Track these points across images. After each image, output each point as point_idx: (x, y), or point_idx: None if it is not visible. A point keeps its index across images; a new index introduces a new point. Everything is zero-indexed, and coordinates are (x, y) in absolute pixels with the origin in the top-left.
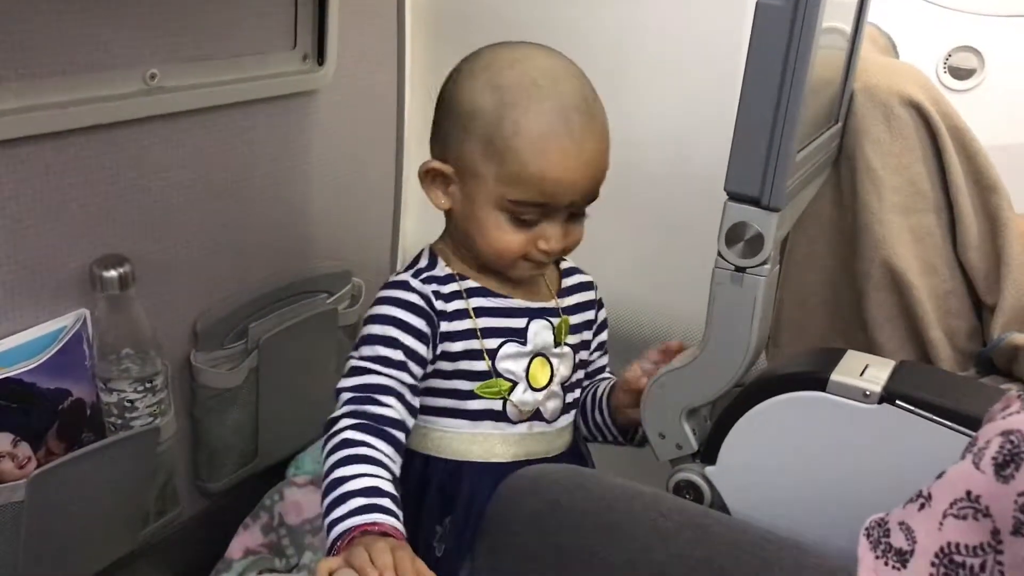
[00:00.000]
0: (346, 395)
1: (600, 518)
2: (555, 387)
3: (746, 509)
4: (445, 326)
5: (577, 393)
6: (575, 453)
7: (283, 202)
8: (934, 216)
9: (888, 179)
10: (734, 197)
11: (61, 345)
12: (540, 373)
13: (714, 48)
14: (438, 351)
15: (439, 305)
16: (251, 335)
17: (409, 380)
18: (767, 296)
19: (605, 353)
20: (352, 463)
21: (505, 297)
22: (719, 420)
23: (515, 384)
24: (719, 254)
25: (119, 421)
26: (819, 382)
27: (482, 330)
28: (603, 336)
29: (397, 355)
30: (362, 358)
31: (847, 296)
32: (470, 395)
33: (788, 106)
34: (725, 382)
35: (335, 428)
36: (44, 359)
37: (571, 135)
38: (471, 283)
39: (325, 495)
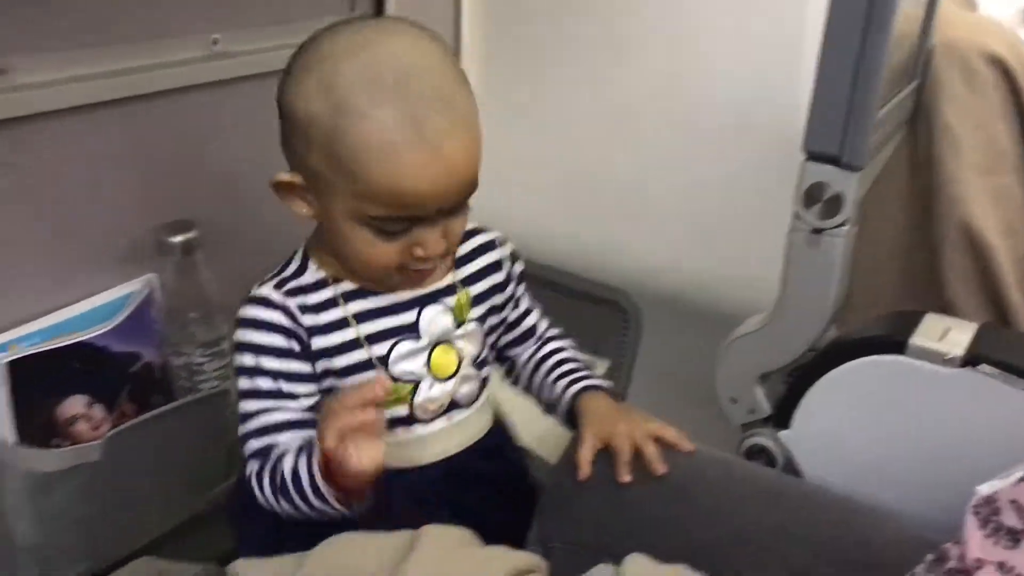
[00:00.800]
0: (248, 446)
1: (673, 483)
2: (465, 370)
3: (820, 474)
4: (320, 341)
5: (490, 367)
6: (499, 428)
7: None
8: (1015, 176)
9: (966, 137)
10: (813, 156)
11: (131, 310)
12: (444, 362)
13: (779, 3)
14: (318, 369)
15: (307, 320)
16: None
17: (297, 404)
18: (845, 258)
19: (529, 311)
20: (275, 469)
21: (387, 294)
22: (794, 384)
23: (417, 383)
24: (795, 215)
25: (188, 384)
26: (898, 346)
27: (367, 337)
28: (517, 290)
29: (273, 384)
30: (243, 395)
31: (922, 258)
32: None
33: (870, 61)
34: (800, 346)
35: (253, 485)
36: (115, 323)
37: (424, 140)
38: (347, 285)
39: (289, 500)
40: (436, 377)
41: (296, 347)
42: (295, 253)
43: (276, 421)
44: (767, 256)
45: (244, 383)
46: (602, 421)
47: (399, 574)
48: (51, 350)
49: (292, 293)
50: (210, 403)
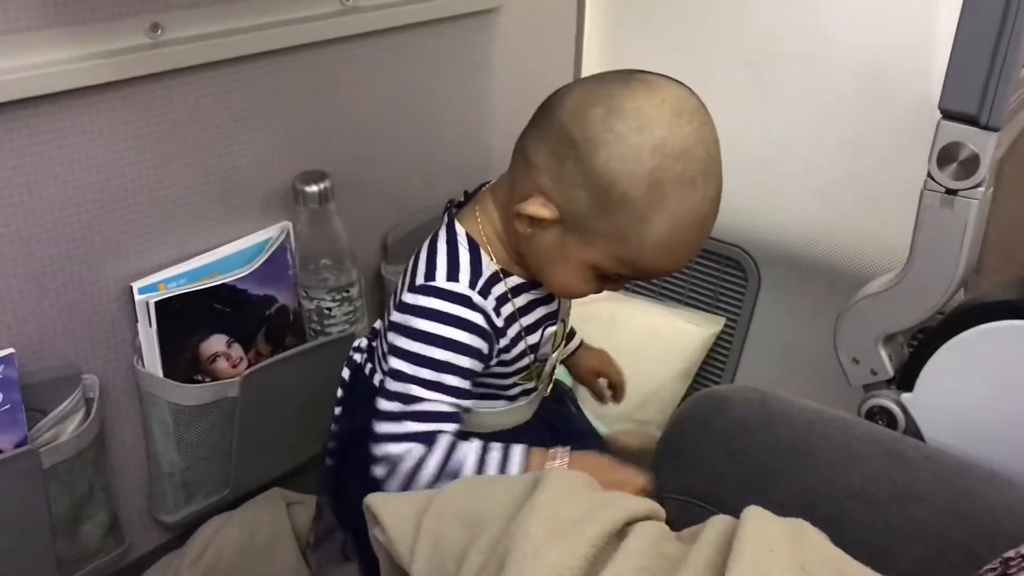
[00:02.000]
0: (405, 426)
1: (790, 440)
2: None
3: (942, 438)
4: (502, 342)
5: None
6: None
7: (464, 121)
8: None
9: None
10: (949, 116)
11: (268, 255)
12: (559, 335)
13: None
14: (492, 365)
15: (497, 322)
16: None
17: (468, 402)
18: (979, 220)
19: None
20: (455, 458)
21: (540, 285)
22: (919, 347)
23: (546, 361)
24: (929, 175)
25: (318, 327)
26: None
27: (526, 328)
28: None
29: (460, 382)
30: (418, 383)
31: None
32: (511, 385)
33: (1016, 18)
34: (928, 309)
35: (407, 465)
36: (254, 267)
37: (703, 233)
38: (515, 279)
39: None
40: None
41: (488, 349)
42: (457, 237)
43: (445, 411)
44: (895, 216)
45: (427, 374)
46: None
47: (523, 513)
48: (195, 291)
49: (484, 293)
50: (339, 346)
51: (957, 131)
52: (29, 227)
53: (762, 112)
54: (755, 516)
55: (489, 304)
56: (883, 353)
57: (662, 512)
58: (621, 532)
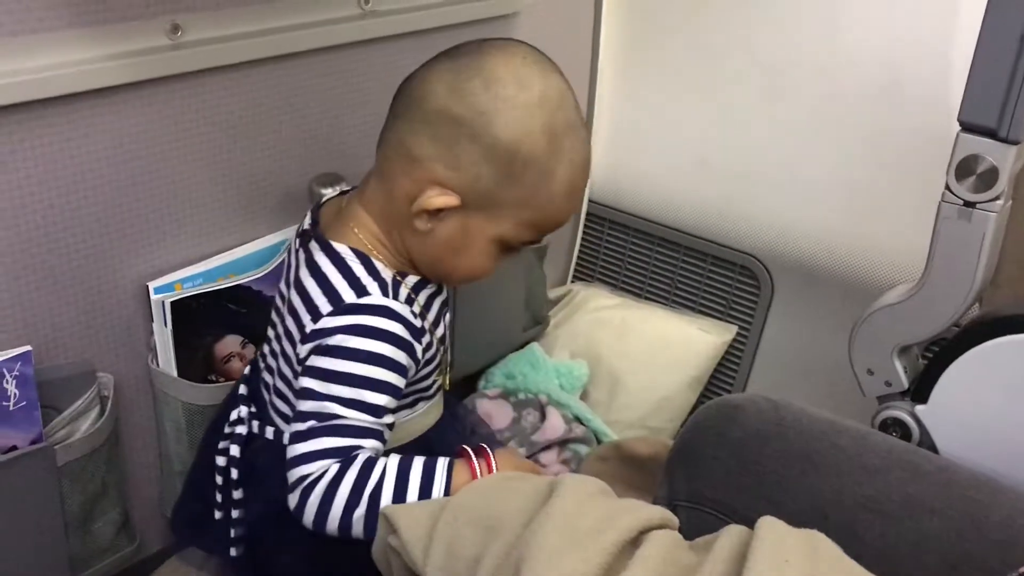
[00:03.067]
0: (321, 442)
1: (804, 450)
2: None
3: (957, 451)
4: (424, 342)
5: None
6: None
7: None
8: None
9: None
10: (968, 128)
11: (283, 257)
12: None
13: None
14: (419, 370)
15: (416, 323)
16: None
17: (390, 418)
18: (996, 233)
19: None
20: (378, 474)
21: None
22: (934, 359)
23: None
24: (947, 187)
25: None
26: None
27: (432, 323)
28: None
29: (384, 400)
30: (337, 401)
31: None
32: (432, 384)
33: None
34: (944, 321)
35: (324, 482)
36: (269, 269)
37: (589, 171)
38: (412, 278)
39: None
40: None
41: (409, 360)
42: (341, 254)
43: (364, 427)
44: (911, 227)
45: (344, 391)
46: None
47: (538, 520)
48: (211, 291)
49: (396, 298)
50: None
51: (976, 144)
52: (47, 226)
53: (778, 119)
54: (770, 526)
55: (405, 309)
56: (898, 365)
57: (676, 521)
58: (635, 540)
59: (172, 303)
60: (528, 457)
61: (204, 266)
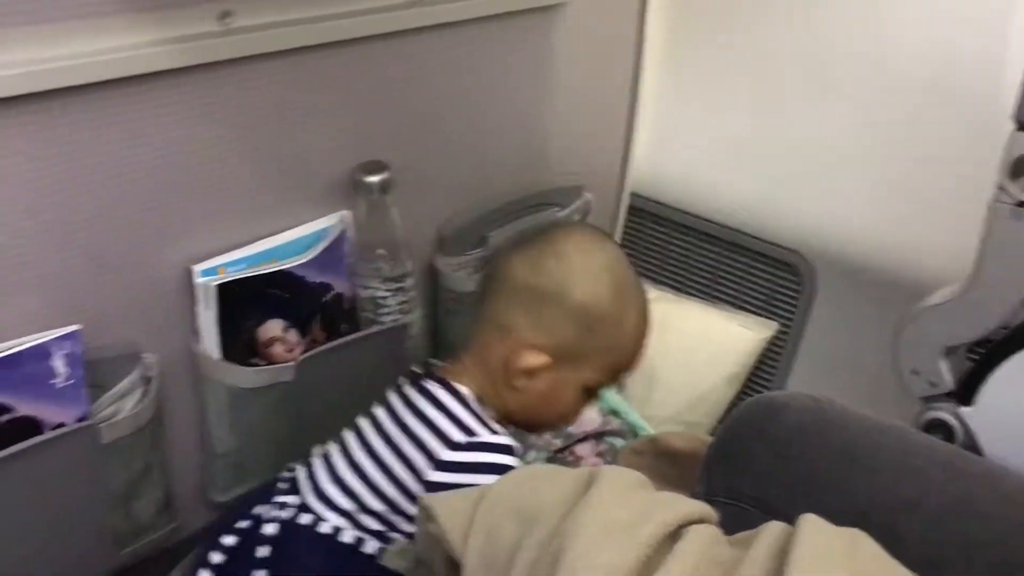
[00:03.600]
0: None
1: (846, 448)
2: None
3: (1002, 454)
4: None
5: None
6: None
7: (524, 117)
8: None
9: None
10: None
11: (327, 243)
12: None
13: None
14: None
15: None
16: (489, 243)
17: None
18: None
19: None
20: None
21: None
22: (981, 361)
23: None
24: (1000, 187)
25: (372, 316)
26: None
27: None
28: None
29: None
30: None
31: None
32: None
33: None
34: (992, 322)
35: None
36: (312, 255)
37: (649, 323)
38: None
39: None
40: None
41: None
42: (463, 394)
43: None
44: (959, 225)
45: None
46: None
47: (576, 511)
48: (254, 276)
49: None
50: (392, 335)
51: None
52: (95, 208)
53: (823, 114)
54: (812, 523)
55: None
56: (943, 365)
57: (715, 515)
58: (674, 534)
59: (217, 286)
60: (563, 449)
61: (248, 251)
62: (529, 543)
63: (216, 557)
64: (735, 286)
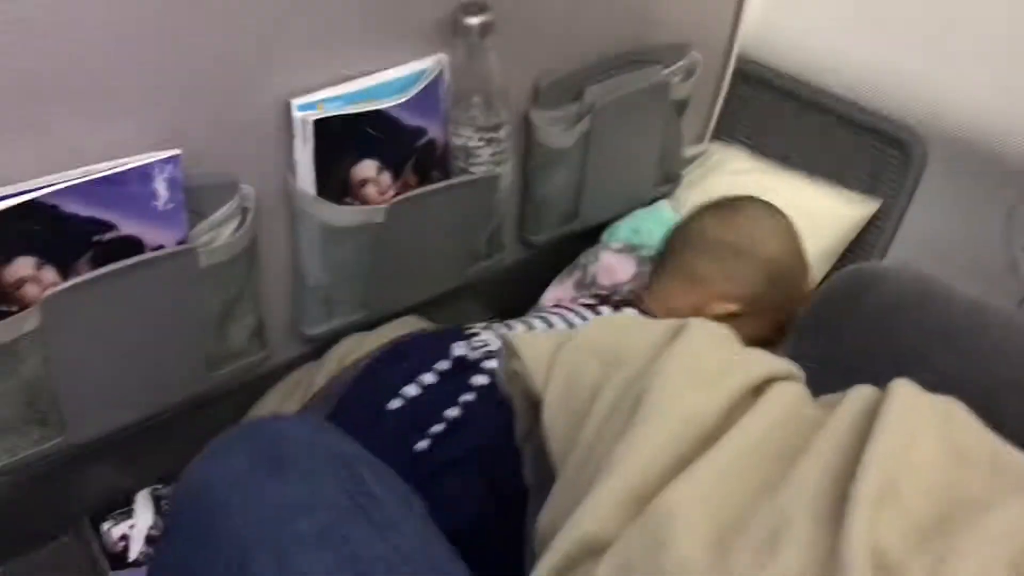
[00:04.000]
0: None
1: (945, 326)
2: None
3: None
4: None
5: None
6: None
7: None
8: None
9: None
10: None
11: (423, 85)
12: None
13: None
14: None
15: None
16: (586, 99)
17: None
18: None
19: None
20: None
21: None
22: None
23: None
24: None
25: (463, 165)
26: None
27: None
28: None
29: None
30: None
31: None
32: None
33: None
34: None
35: None
36: (408, 97)
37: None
38: None
39: None
40: None
41: None
42: None
43: None
44: None
45: None
46: None
47: (663, 357)
48: (351, 114)
49: None
50: (483, 185)
51: None
52: (196, 35)
53: None
54: (905, 387)
55: None
56: None
57: (801, 375)
58: (758, 389)
59: (315, 122)
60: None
61: (346, 88)
62: (612, 384)
63: (429, 378)
64: (838, 160)
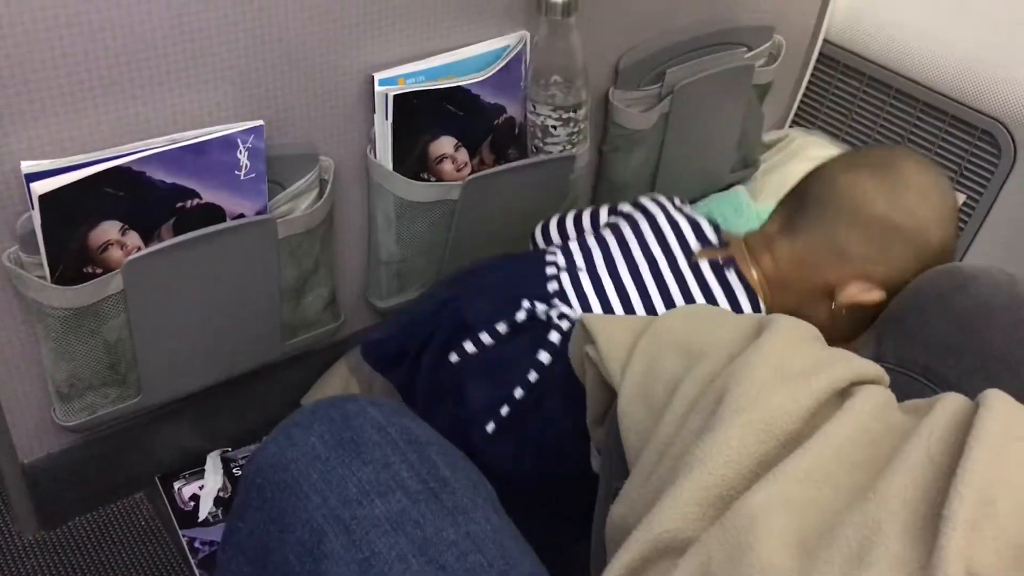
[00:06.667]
0: None
1: None
2: None
3: None
4: None
5: None
6: None
7: None
8: None
9: None
10: None
11: (504, 63)
12: None
13: None
14: None
15: None
16: (667, 80)
17: None
18: None
19: None
20: None
21: None
22: None
23: None
24: None
25: (539, 144)
26: None
27: None
28: None
29: None
30: None
31: None
32: None
33: None
34: None
35: None
36: (489, 74)
37: None
38: None
39: None
40: None
41: None
42: (760, 307)
43: None
44: None
45: None
46: None
47: (747, 353)
48: (431, 90)
49: None
50: (559, 165)
51: None
52: (281, 8)
53: None
54: (1000, 398)
55: None
56: None
57: (887, 379)
58: (845, 391)
59: (395, 96)
60: None
61: (427, 63)
62: (692, 378)
63: (502, 327)
64: (924, 151)
